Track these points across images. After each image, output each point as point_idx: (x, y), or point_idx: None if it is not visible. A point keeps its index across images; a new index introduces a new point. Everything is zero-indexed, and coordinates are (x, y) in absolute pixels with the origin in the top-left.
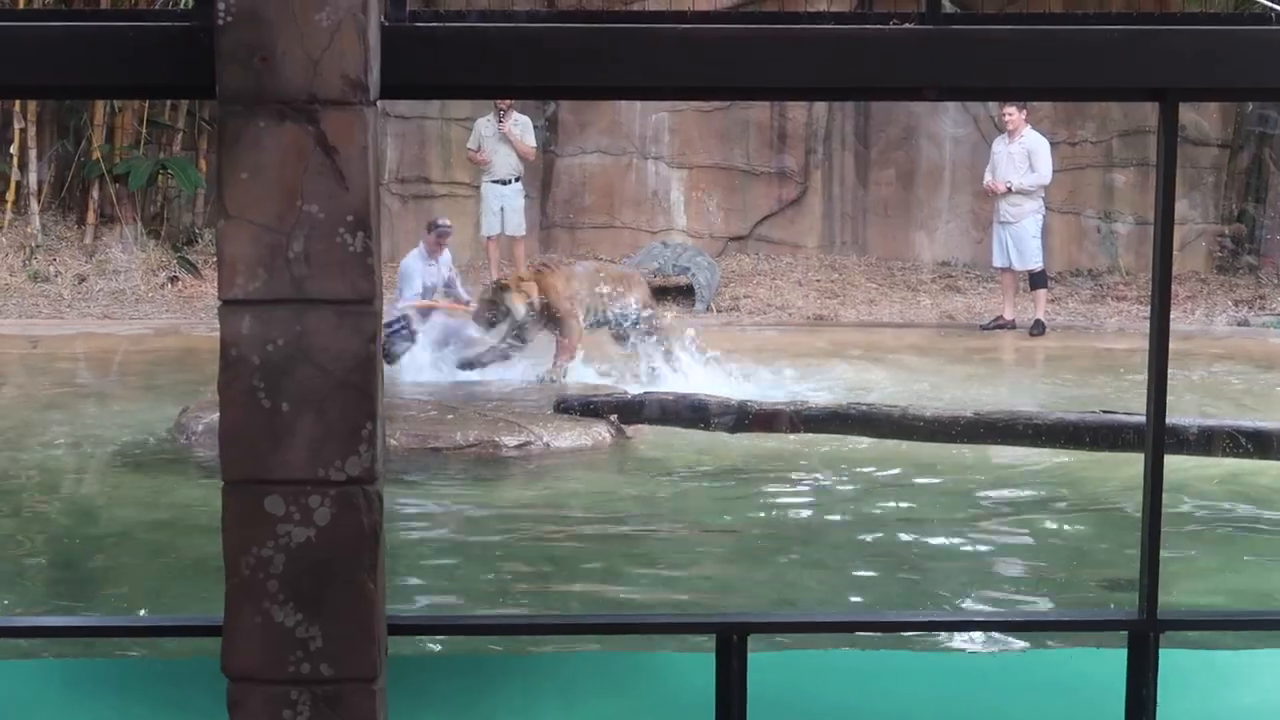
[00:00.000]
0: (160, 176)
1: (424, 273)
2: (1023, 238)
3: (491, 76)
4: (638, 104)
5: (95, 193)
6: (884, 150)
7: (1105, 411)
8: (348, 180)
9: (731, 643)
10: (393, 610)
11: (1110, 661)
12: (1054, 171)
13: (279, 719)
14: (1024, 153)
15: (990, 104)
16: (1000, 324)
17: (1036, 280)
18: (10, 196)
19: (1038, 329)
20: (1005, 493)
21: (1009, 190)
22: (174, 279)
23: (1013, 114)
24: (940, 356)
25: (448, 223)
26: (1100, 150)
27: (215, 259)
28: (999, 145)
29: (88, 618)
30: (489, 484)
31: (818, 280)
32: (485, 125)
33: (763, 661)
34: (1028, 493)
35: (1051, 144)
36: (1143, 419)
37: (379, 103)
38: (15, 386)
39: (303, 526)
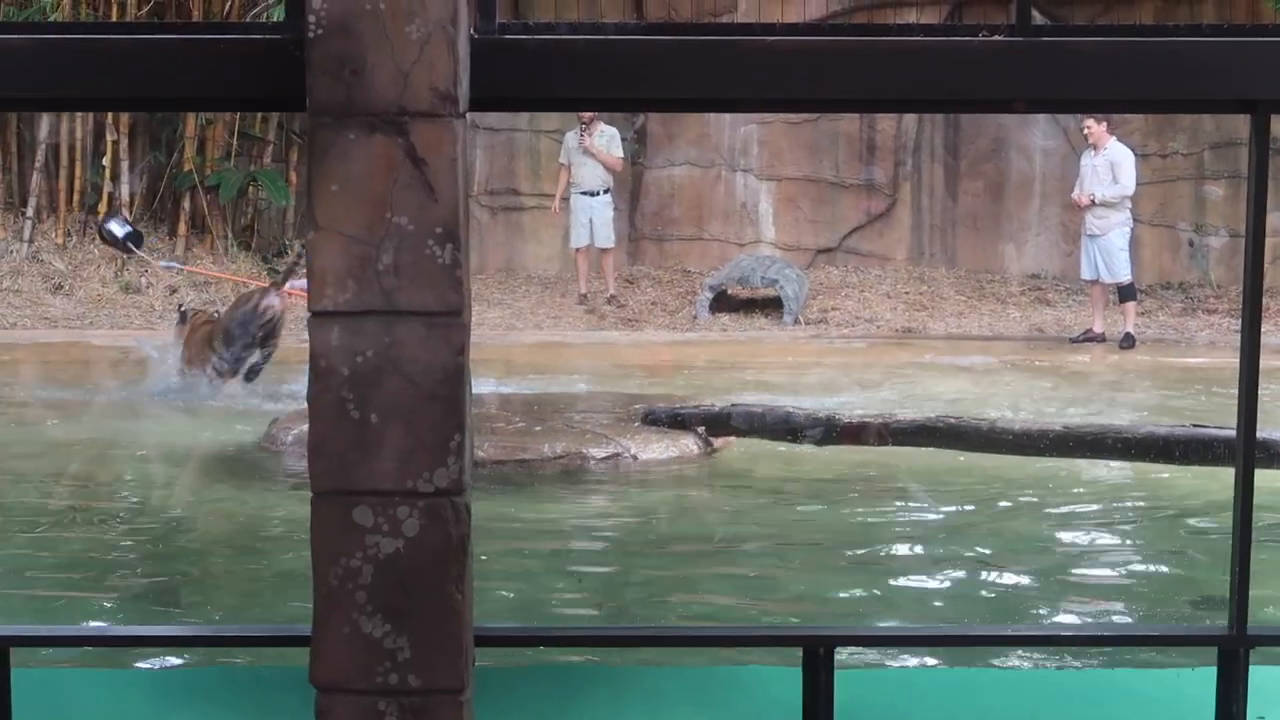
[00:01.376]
0: (251, 188)
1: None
2: (1110, 250)
3: (580, 88)
4: (726, 116)
5: (186, 204)
6: (973, 162)
7: (1195, 425)
8: (437, 192)
9: (818, 655)
10: (480, 622)
11: (1200, 679)
12: (1144, 184)
13: None
14: (1107, 165)
15: (1078, 116)
16: (1090, 337)
17: (1125, 293)
18: (102, 208)
19: (1127, 342)
20: (1094, 507)
21: (1093, 202)
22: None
23: (1092, 127)
24: (1030, 370)
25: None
26: (1191, 162)
27: (305, 270)
28: (1085, 158)
29: (177, 627)
30: (577, 496)
31: (906, 292)
32: (572, 137)
33: (850, 679)
34: (1116, 507)
35: (1142, 156)
36: (1233, 432)
37: (468, 115)
38: (107, 397)
39: (391, 538)
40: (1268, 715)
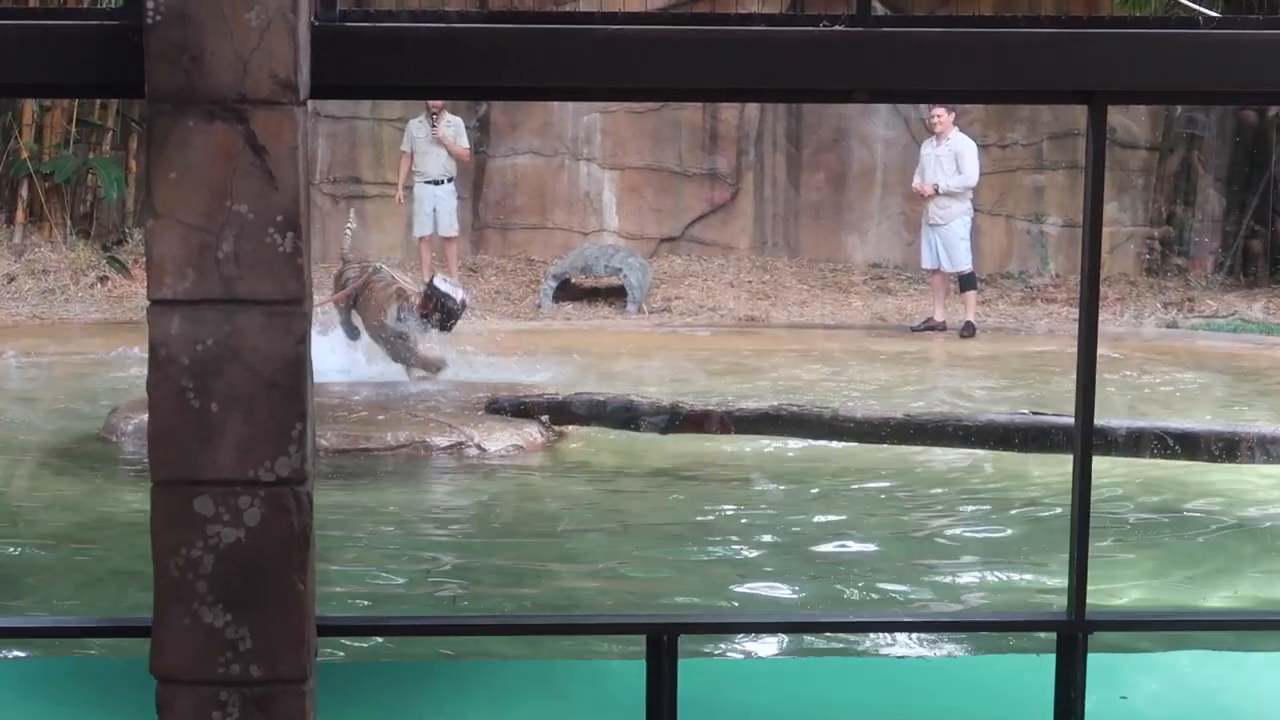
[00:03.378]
0: (89, 175)
1: None
2: (952, 240)
3: (422, 77)
4: (569, 105)
5: (24, 192)
6: (815, 152)
7: (1035, 412)
8: (277, 180)
9: (662, 643)
10: (322, 612)
11: (1040, 665)
12: (984, 174)
13: None
14: (951, 155)
15: (921, 106)
16: (931, 325)
17: (966, 282)
18: None
19: (968, 330)
20: (935, 494)
21: (936, 192)
22: (103, 278)
23: (941, 116)
24: (870, 358)
25: None
26: (1030, 153)
27: (145, 258)
28: (927, 148)
29: (14, 619)
30: (419, 485)
31: (749, 281)
32: (417, 126)
33: (693, 667)
34: (957, 494)
35: (982, 146)
36: (1071, 420)
37: (309, 103)
38: None
39: (232, 527)
40: (1106, 700)
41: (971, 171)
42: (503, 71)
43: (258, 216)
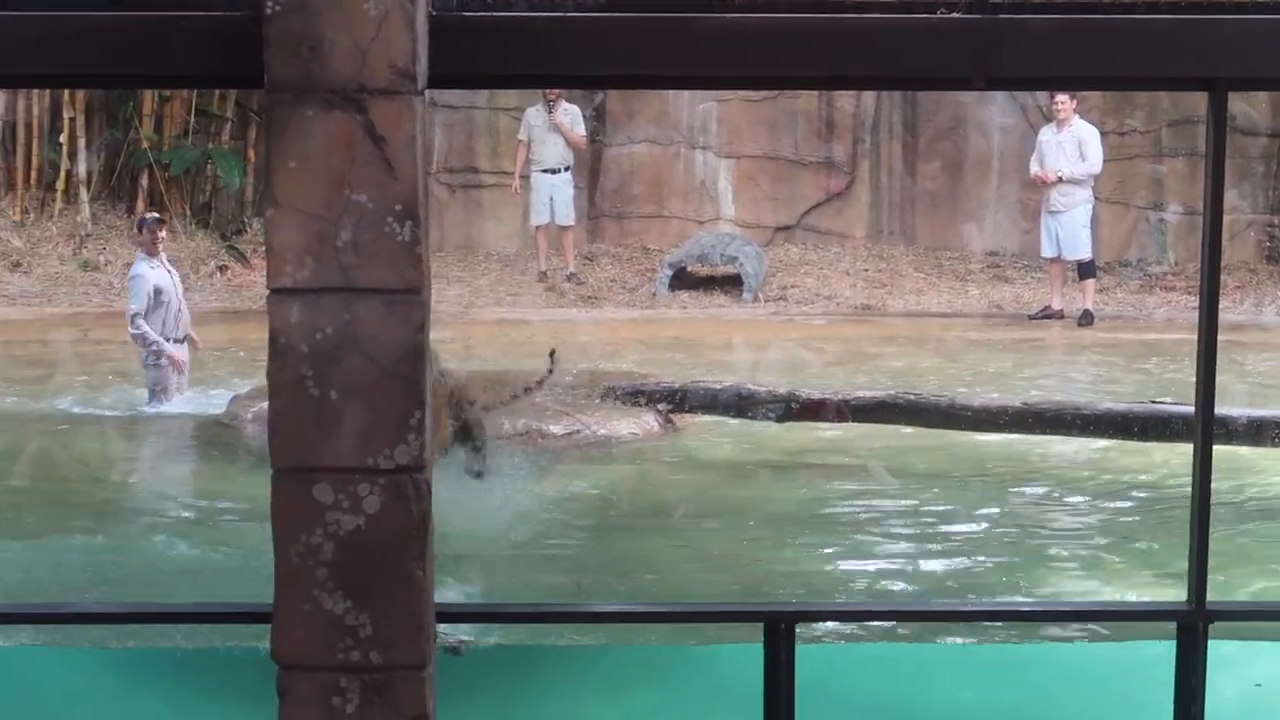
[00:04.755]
0: (208, 165)
1: (150, 276)
2: (1072, 227)
3: (539, 66)
4: (685, 93)
5: (144, 182)
6: (932, 140)
7: (1154, 401)
8: (396, 169)
9: (780, 631)
10: (441, 598)
11: (1160, 653)
12: (1103, 161)
13: (328, 706)
14: (1074, 141)
15: (1038, 93)
16: (1048, 314)
17: (1085, 270)
18: (60, 185)
19: (1086, 319)
20: (1052, 483)
21: (1059, 180)
22: (223, 267)
23: (1064, 102)
24: (987, 347)
25: (155, 215)
26: (1149, 140)
27: (264, 248)
28: (1046, 134)
29: (138, 605)
30: (538, 473)
31: (865, 270)
32: (534, 115)
33: (811, 654)
34: (1075, 483)
35: (1100, 133)
36: (1191, 409)
37: (427, 92)
38: (66, 374)
39: (352, 514)
40: (1226, 688)
41: (1096, 158)
42: (619, 59)
43: (376, 206)
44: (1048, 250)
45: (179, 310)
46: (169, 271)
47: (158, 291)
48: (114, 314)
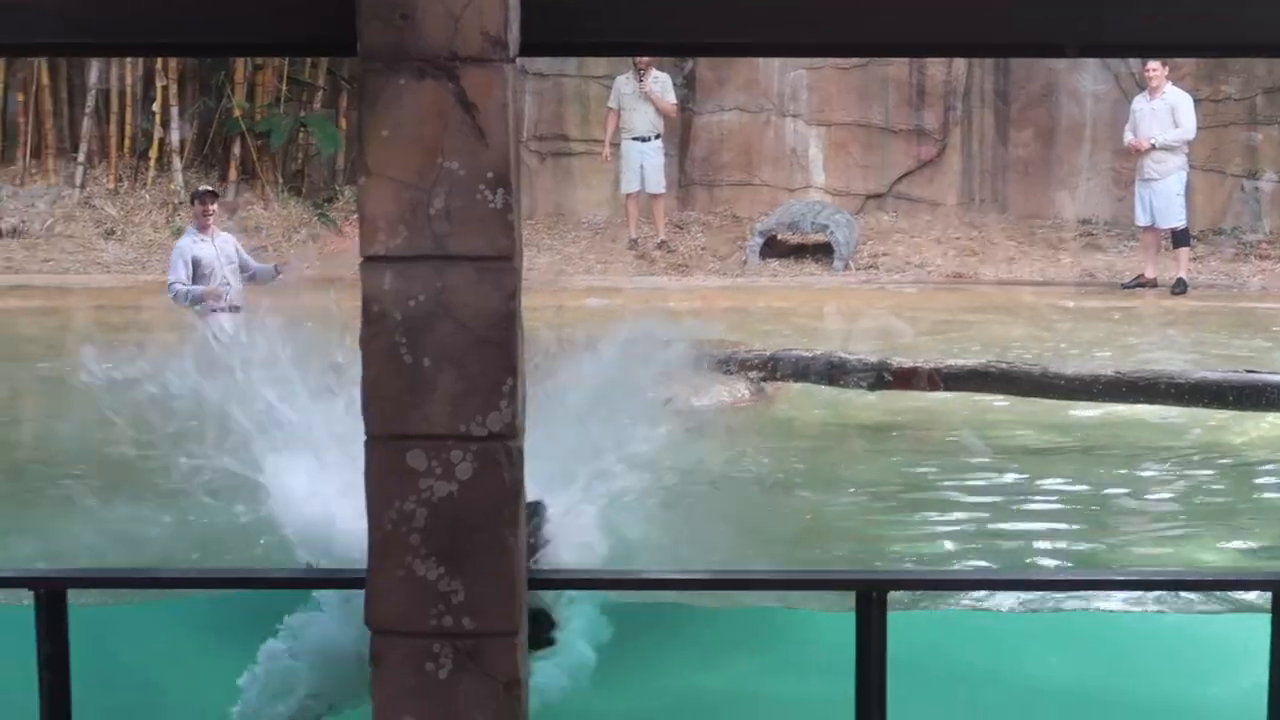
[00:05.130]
0: (300, 134)
1: (189, 248)
2: (1166, 195)
3: (630, 33)
4: (775, 61)
5: (236, 150)
6: (1024, 107)
7: (1249, 370)
8: (488, 137)
9: (872, 599)
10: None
11: (1254, 625)
12: (1197, 128)
13: (422, 671)
14: (1167, 109)
15: (1131, 60)
16: (1141, 282)
17: (1179, 238)
18: (154, 154)
19: (1180, 287)
20: (1146, 452)
21: (1152, 147)
22: (314, 235)
23: (1156, 69)
24: (1080, 315)
25: (207, 188)
26: (1243, 107)
27: (355, 216)
28: (1140, 102)
29: (236, 570)
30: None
31: (957, 238)
32: (625, 83)
33: (903, 621)
34: (1169, 452)
35: (1195, 101)
36: None
37: (518, 60)
38: (161, 345)
39: (444, 481)
40: None
41: (1189, 125)
42: (709, 27)
43: (468, 173)
44: (1141, 218)
45: (224, 281)
46: (214, 245)
47: (196, 263)
48: None
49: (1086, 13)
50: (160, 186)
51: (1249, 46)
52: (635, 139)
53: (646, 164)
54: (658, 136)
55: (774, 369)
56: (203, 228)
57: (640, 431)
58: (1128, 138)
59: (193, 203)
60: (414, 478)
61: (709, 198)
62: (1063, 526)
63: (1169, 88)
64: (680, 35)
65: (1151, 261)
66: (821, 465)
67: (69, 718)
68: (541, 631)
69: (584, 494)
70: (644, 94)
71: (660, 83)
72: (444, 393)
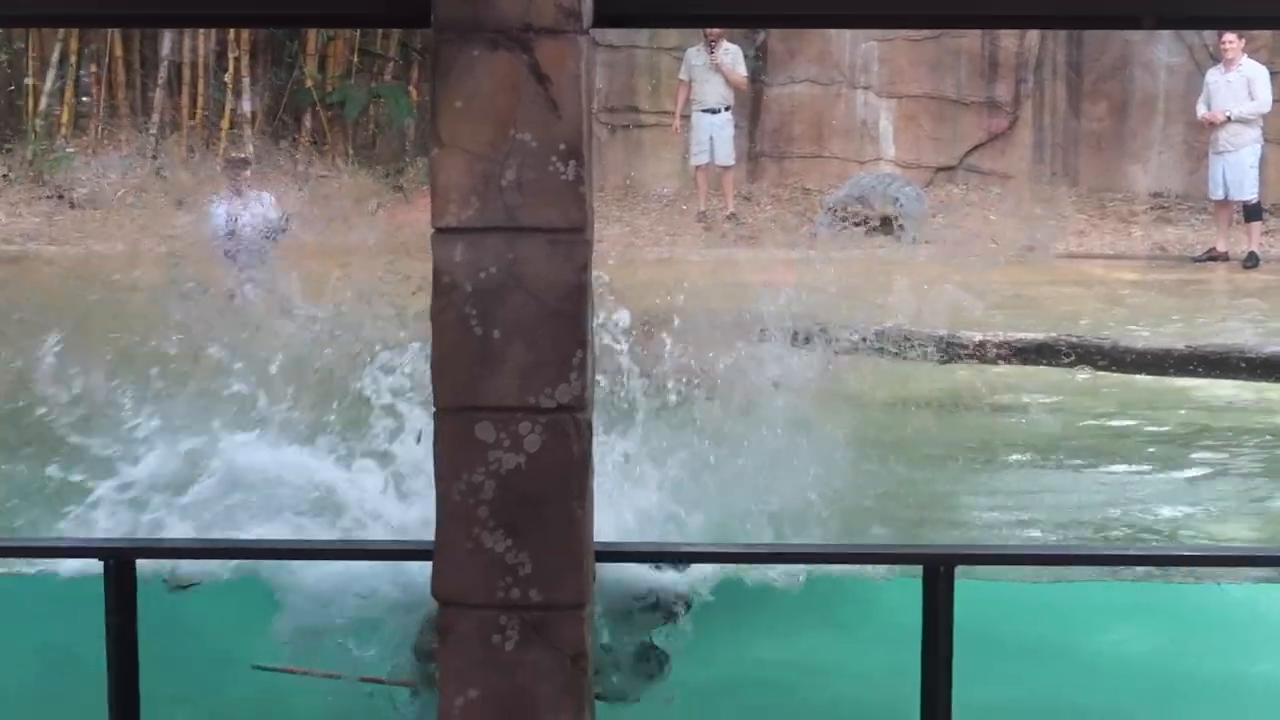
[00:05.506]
0: (372, 105)
1: (227, 215)
2: (1240, 168)
3: (701, 5)
4: (847, 33)
5: (308, 120)
6: (1096, 80)
7: None
8: (560, 109)
9: (939, 573)
10: (600, 537)
11: None
12: (1272, 101)
13: (488, 643)
14: (1243, 81)
15: (1205, 33)
16: (1214, 256)
17: (1252, 212)
18: (225, 124)
19: (1251, 261)
20: (1217, 427)
21: (1227, 120)
22: (384, 205)
23: (1232, 42)
24: (1152, 288)
25: (240, 156)
26: None
27: (427, 187)
28: (1214, 75)
29: (299, 541)
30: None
31: (1028, 211)
32: (695, 55)
33: (969, 590)
34: (1241, 427)
35: (1270, 73)
36: None
37: (591, 31)
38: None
39: (513, 453)
40: None
41: (1266, 97)
42: None
43: (541, 145)
44: (1215, 191)
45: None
46: (244, 210)
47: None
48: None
49: None
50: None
51: None
52: (705, 111)
53: (716, 136)
54: (728, 109)
55: (845, 340)
56: (236, 192)
57: None
58: (1201, 110)
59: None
60: (482, 450)
61: (779, 170)
62: (1134, 497)
63: (1244, 60)
64: (753, 7)
65: (1224, 235)
66: (889, 438)
67: (136, 688)
68: (654, 669)
69: None
70: (714, 66)
71: (731, 54)
72: (513, 365)
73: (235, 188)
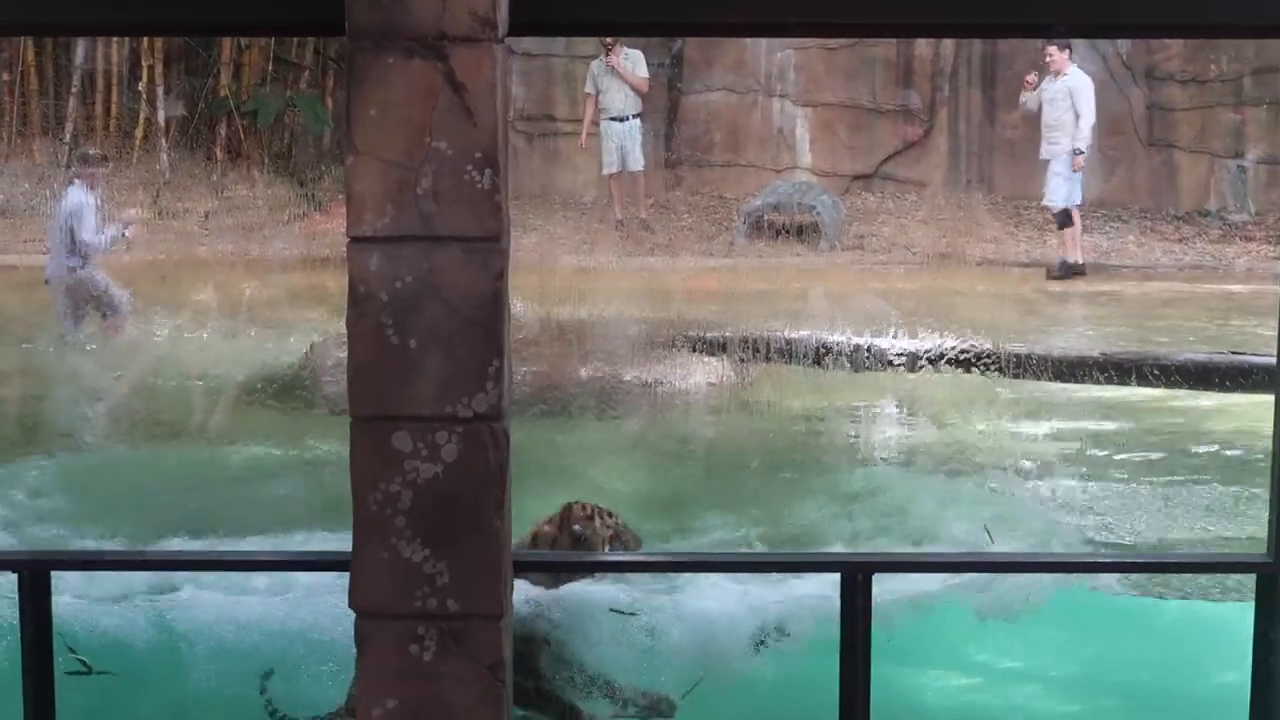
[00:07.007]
0: (288, 114)
1: (95, 208)
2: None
3: (617, 13)
4: (763, 41)
5: (222, 130)
6: (1012, 88)
7: (1234, 352)
8: (476, 117)
9: (856, 581)
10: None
11: (1243, 608)
12: (1182, 109)
13: (406, 653)
14: (1065, 92)
15: (1120, 41)
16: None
17: (1062, 219)
18: (139, 133)
19: (1063, 270)
20: (1129, 432)
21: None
22: (300, 215)
23: (1054, 53)
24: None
25: (94, 151)
26: (1230, 88)
27: (342, 196)
28: (1045, 83)
29: (220, 552)
30: (611, 420)
31: (943, 219)
32: (598, 66)
33: (887, 605)
34: (1147, 432)
35: (1180, 82)
36: (1270, 360)
37: (507, 40)
38: (143, 320)
39: (430, 463)
40: None
41: (1087, 109)
42: (697, 7)
43: (457, 153)
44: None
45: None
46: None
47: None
48: (193, 261)
49: None
50: (146, 166)
51: (1235, 27)
52: (613, 119)
53: (626, 143)
54: (635, 115)
55: (758, 349)
56: (91, 187)
57: None
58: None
59: (80, 164)
60: (399, 459)
61: (696, 178)
62: (1048, 508)
63: (1071, 69)
64: (668, 15)
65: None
66: (804, 445)
67: (52, 701)
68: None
69: None
70: (611, 68)
71: (630, 58)
72: (431, 374)
73: (88, 184)
